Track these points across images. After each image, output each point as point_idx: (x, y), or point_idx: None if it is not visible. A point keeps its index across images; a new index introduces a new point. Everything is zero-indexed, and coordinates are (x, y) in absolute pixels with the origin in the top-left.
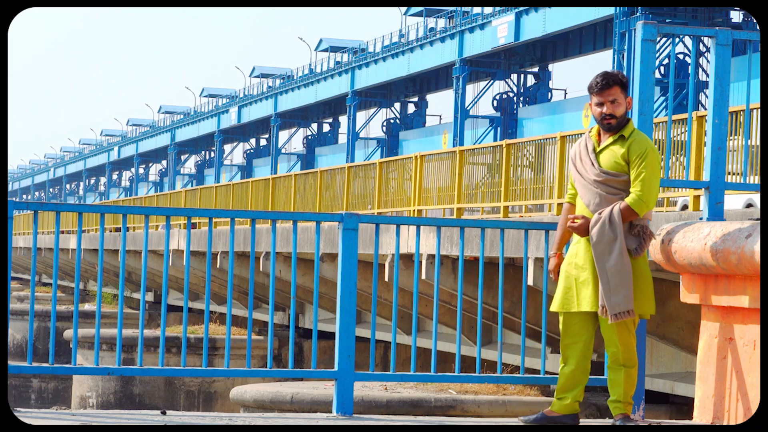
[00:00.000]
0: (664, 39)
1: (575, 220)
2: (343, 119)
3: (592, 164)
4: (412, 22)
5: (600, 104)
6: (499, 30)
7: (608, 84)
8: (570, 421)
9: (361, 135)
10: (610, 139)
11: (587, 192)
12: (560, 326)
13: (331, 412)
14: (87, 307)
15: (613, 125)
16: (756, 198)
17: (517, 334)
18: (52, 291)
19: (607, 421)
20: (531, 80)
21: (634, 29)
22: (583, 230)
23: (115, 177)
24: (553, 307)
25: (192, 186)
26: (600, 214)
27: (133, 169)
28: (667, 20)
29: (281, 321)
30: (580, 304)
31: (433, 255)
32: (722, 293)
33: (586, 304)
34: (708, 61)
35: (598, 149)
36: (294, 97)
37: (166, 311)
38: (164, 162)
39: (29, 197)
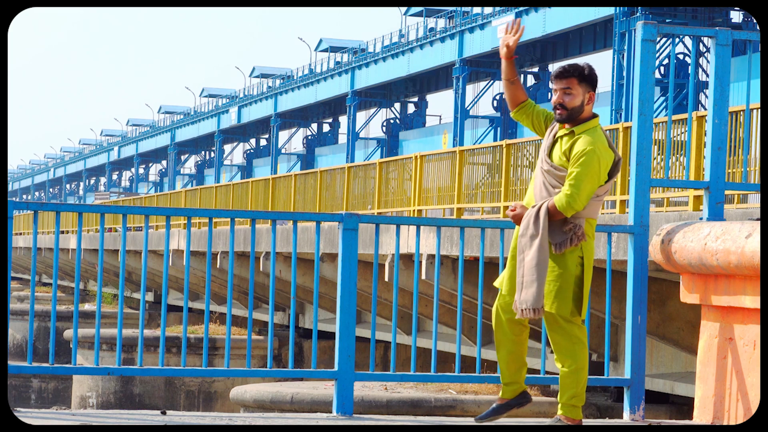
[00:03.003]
0: (664, 39)
1: (515, 208)
2: (343, 119)
3: (545, 150)
4: (412, 22)
5: (555, 91)
6: (499, 30)
7: (563, 74)
8: (517, 403)
9: (361, 135)
10: (563, 131)
11: (537, 175)
12: None
13: (331, 412)
14: (87, 307)
15: (563, 116)
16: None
17: None
18: (52, 291)
19: (608, 421)
20: (531, 80)
21: (634, 29)
22: (518, 220)
23: (115, 177)
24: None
25: (192, 186)
26: (534, 207)
27: (133, 169)
28: (667, 20)
29: (281, 321)
30: (502, 282)
31: (433, 255)
32: (722, 293)
33: (504, 286)
34: (708, 61)
35: (557, 136)
36: (294, 97)
37: (166, 311)
38: (164, 162)
39: (29, 197)
